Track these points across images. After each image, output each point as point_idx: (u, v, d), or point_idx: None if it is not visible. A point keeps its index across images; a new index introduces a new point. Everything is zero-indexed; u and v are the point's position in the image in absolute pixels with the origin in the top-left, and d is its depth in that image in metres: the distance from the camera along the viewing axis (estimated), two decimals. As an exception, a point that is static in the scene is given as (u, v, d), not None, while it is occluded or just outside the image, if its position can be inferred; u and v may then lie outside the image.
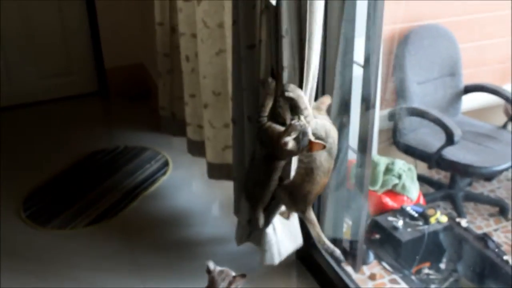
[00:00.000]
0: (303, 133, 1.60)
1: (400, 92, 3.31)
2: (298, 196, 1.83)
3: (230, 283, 1.84)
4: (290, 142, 1.60)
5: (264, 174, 1.83)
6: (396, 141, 3.30)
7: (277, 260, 2.15)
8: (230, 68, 2.27)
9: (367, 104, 1.99)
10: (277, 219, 2.09)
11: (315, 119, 1.71)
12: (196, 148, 2.84)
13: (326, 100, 1.85)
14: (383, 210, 2.75)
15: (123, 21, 3.98)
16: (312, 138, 1.62)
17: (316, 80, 1.77)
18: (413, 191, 2.86)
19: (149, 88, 4.02)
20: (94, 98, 4.14)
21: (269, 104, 1.74)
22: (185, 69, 2.74)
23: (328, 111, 1.88)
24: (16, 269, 2.47)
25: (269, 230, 2.08)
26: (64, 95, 4.08)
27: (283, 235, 2.14)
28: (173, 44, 2.95)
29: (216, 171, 2.66)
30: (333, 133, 1.76)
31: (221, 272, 1.87)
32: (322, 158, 1.75)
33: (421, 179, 3.18)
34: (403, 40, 3.28)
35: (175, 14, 2.81)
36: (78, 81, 4.12)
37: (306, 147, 1.62)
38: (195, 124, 2.80)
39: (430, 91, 3.37)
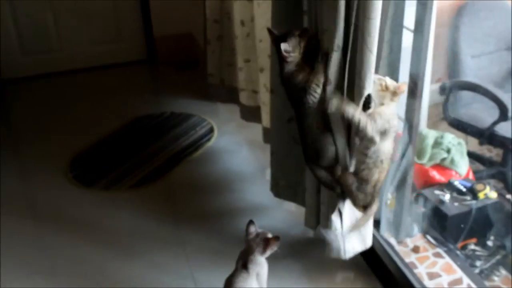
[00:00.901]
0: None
1: (452, 66, 3.20)
2: (368, 188, 1.80)
3: (264, 248, 1.82)
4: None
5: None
6: (447, 115, 3.20)
7: (343, 255, 2.06)
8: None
9: (416, 73, 1.91)
10: (347, 216, 2.00)
11: (379, 113, 1.68)
12: (250, 114, 2.84)
13: (403, 86, 1.75)
14: (430, 183, 2.67)
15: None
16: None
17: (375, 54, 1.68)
18: (462, 166, 2.77)
19: (197, 57, 4.02)
20: (143, 66, 4.18)
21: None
22: (240, 34, 2.71)
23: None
24: (60, 228, 2.52)
25: (336, 221, 1.98)
26: (114, 62, 4.13)
27: (351, 233, 2.04)
28: (223, 10, 2.93)
29: (271, 136, 2.65)
30: (394, 120, 1.73)
31: (256, 235, 1.85)
32: (386, 147, 1.74)
33: (472, 155, 3.07)
34: (458, 12, 3.17)
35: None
36: (128, 48, 4.17)
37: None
38: (250, 89, 2.79)
39: (485, 65, 3.25)
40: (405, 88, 1.76)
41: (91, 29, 4.05)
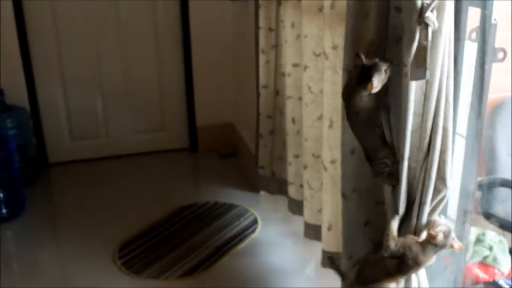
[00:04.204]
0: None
1: (489, 162, 3.28)
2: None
3: None
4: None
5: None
6: (484, 211, 3.25)
7: None
8: (326, 133, 2.35)
9: (468, 176, 1.99)
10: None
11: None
12: (297, 207, 2.92)
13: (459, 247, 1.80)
14: (474, 282, 2.70)
15: (217, 84, 4.20)
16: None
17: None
18: (505, 264, 2.80)
19: (237, 147, 4.17)
20: (184, 154, 4.33)
21: None
22: (291, 131, 2.85)
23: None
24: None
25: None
26: (157, 149, 4.30)
27: None
28: (276, 106, 3.09)
29: (311, 231, 2.72)
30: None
31: None
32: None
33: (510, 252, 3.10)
34: (495, 110, 3.28)
35: (279, 78, 2.96)
36: (171, 137, 4.33)
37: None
38: (297, 183, 2.89)
39: (521, 162, 3.32)
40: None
41: (137, 118, 4.24)
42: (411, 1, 1.45)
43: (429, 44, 1.48)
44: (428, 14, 1.45)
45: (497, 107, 3.28)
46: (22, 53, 3.83)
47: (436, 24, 1.47)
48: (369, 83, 1.62)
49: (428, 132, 1.62)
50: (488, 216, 3.21)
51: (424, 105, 1.60)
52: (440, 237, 1.69)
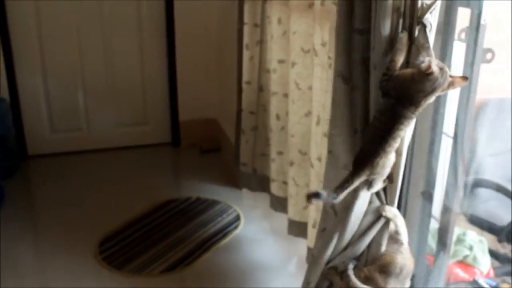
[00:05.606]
0: (442, 69, 1.48)
1: (471, 163, 3.30)
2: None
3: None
4: (434, 65, 1.45)
5: (385, 125, 1.56)
6: (464, 211, 3.28)
7: None
8: (314, 130, 2.35)
9: (453, 175, 2.01)
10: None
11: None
12: (280, 204, 2.91)
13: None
14: (454, 280, 2.72)
15: (201, 78, 4.17)
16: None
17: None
18: (484, 264, 2.83)
19: (220, 143, 4.15)
20: (166, 148, 4.30)
21: (399, 60, 1.55)
22: (275, 127, 2.84)
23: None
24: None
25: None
26: (138, 143, 4.26)
27: None
28: (259, 102, 3.07)
29: (295, 228, 2.72)
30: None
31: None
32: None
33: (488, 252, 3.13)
34: (477, 111, 3.30)
35: (264, 74, 2.94)
36: (153, 131, 4.30)
37: (447, 85, 1.50)
38: (280, 180, 2.88)
39: (503, 163, 3.35)
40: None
41: (119, 111, 4.20)
42: (413, 1, 1.46)
43: (429, 44, 1.48)
44: (427, 15, 1.46)
45: (480, 108, 3.30)
46: (3, 43, 3.77)
47: (434, 25, 1.47)
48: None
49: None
50: (468, 216, 3.23)
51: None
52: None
